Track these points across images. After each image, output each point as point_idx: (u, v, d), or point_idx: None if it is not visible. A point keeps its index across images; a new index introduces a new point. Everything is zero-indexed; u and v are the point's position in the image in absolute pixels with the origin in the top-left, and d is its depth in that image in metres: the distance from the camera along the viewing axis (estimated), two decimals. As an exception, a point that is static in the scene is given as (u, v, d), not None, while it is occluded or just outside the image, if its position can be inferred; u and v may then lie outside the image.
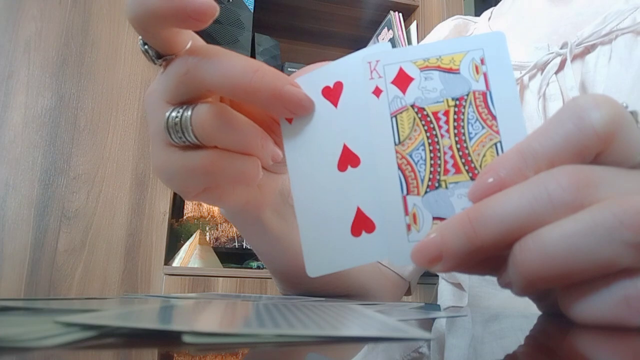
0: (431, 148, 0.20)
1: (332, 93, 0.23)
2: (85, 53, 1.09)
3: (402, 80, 0.21)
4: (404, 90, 0.21)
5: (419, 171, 0.20)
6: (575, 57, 0.44)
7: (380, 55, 0.21)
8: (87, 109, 1.06)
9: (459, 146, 0.20)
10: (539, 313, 0.23)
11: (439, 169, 0.20)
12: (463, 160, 0.20)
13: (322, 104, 0.23)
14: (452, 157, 0.20)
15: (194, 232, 1.15)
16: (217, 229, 1.20)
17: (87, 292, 0.98)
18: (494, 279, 0.19)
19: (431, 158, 0.20)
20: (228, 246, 1.20)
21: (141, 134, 1.08)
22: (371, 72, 0.21)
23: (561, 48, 0.44)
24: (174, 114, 0.23)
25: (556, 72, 0.44)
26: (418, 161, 0.20)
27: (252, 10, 1.26)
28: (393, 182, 0.20)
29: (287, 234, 0.33)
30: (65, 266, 0.99)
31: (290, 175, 0.24)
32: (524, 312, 0.27)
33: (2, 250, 0.96)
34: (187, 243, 1.12)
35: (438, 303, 0.55)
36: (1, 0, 1.05)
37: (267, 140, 0.25)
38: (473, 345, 0.15)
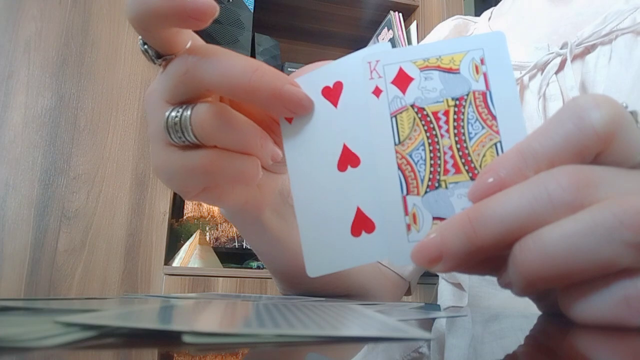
0: (431, 148, 0.20)
1: (332, 93, 0.23)
2: (85, 53, 1.09)
3: (402, 80, 0.21)
4: (403, 90, 0.21)
5: (419, 171, 0.20)
6: (575, 57, 0.44)
7: (380, 55, 0.21)
8: (87, 109, 1.06)
9: (458, 146, 0.20)
10: (539, 313, 0.23)
11: (438, 169, 0.20)
12: (463, 160, 0.20)
13: (322, 104, 0.23)
14: (452, 157, 0.20)
15: (194, 232, 1.15)
16: (217, 229, 1.20)
17: (87, 292, 0.98)
18: (494, 279, 0.19)
19: (431, 158, 0.20)
20: (228, 246, 1.20)
21: (141, 134, 1.08)
22: (371, 72, 0.21)
23: (561, 48, 0.44)
24: (173, 113, 0.23)
25: (556, 72, 0.44)
26: (418, 161, 0.20)
27: (252, 10, 1.26)
28: (393, 182, 0.20)
29: (286, 234, 0.33)
30: (65, 266, 0.99)
31: (290, 175, 0.24)
32: (524, 312, 0.27)
33: (2, 250, 0.96)
34: (187, 243, 1.12)
35: (438, 303, 0.55)
36: (1, 0, 1.05)
37: (267, 140, 0.25)
38: (473, 345, 0.15)
